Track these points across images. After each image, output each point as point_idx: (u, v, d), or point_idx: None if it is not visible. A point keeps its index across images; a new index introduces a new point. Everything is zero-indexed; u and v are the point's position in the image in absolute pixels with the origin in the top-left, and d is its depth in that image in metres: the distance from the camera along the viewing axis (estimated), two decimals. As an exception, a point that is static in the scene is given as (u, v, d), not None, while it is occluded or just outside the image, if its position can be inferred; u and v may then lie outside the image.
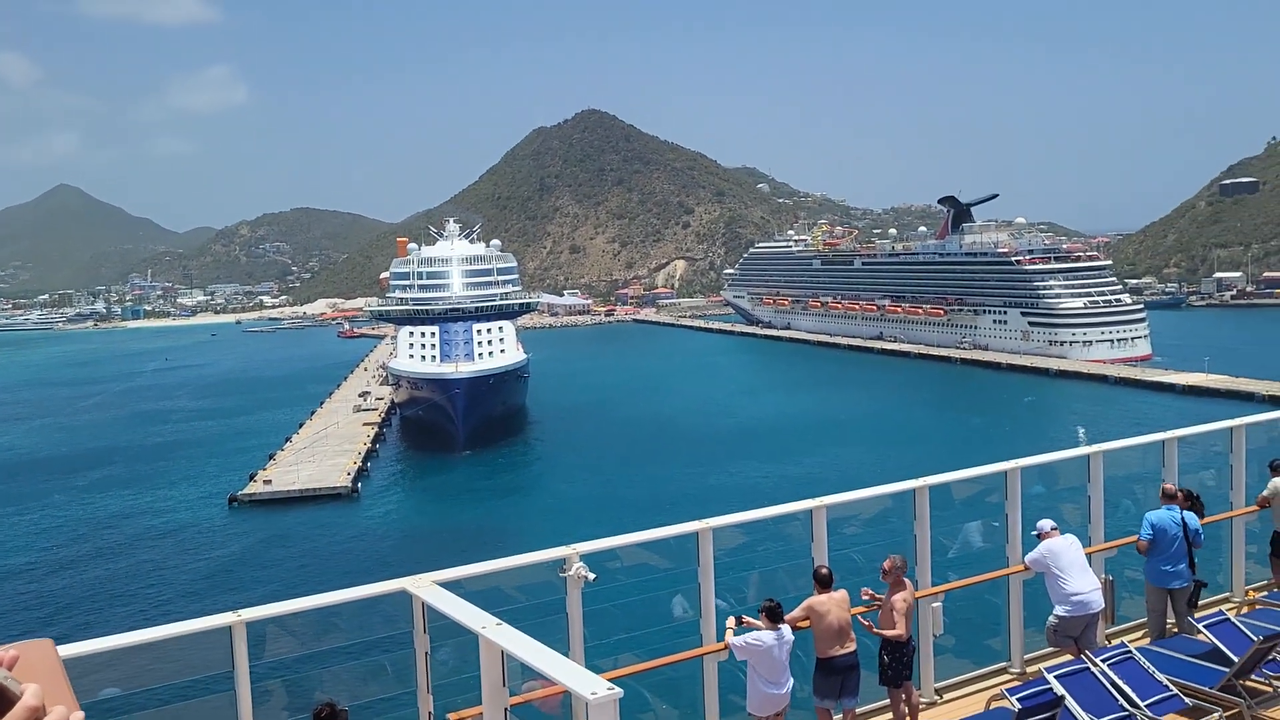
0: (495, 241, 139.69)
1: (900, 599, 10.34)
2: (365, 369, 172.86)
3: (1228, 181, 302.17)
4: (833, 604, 9.95)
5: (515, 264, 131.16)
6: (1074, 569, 11.04)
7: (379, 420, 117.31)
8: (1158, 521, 11.83)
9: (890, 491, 11.09)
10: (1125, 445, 13.21)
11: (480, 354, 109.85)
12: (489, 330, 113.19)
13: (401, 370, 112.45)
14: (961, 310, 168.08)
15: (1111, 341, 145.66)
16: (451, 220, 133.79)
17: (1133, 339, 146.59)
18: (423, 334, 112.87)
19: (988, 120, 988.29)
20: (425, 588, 7.60)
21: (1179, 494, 12.17)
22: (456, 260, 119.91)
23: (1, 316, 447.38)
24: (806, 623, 9.93)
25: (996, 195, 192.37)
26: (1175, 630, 11.99)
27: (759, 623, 9.56)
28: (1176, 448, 12.88)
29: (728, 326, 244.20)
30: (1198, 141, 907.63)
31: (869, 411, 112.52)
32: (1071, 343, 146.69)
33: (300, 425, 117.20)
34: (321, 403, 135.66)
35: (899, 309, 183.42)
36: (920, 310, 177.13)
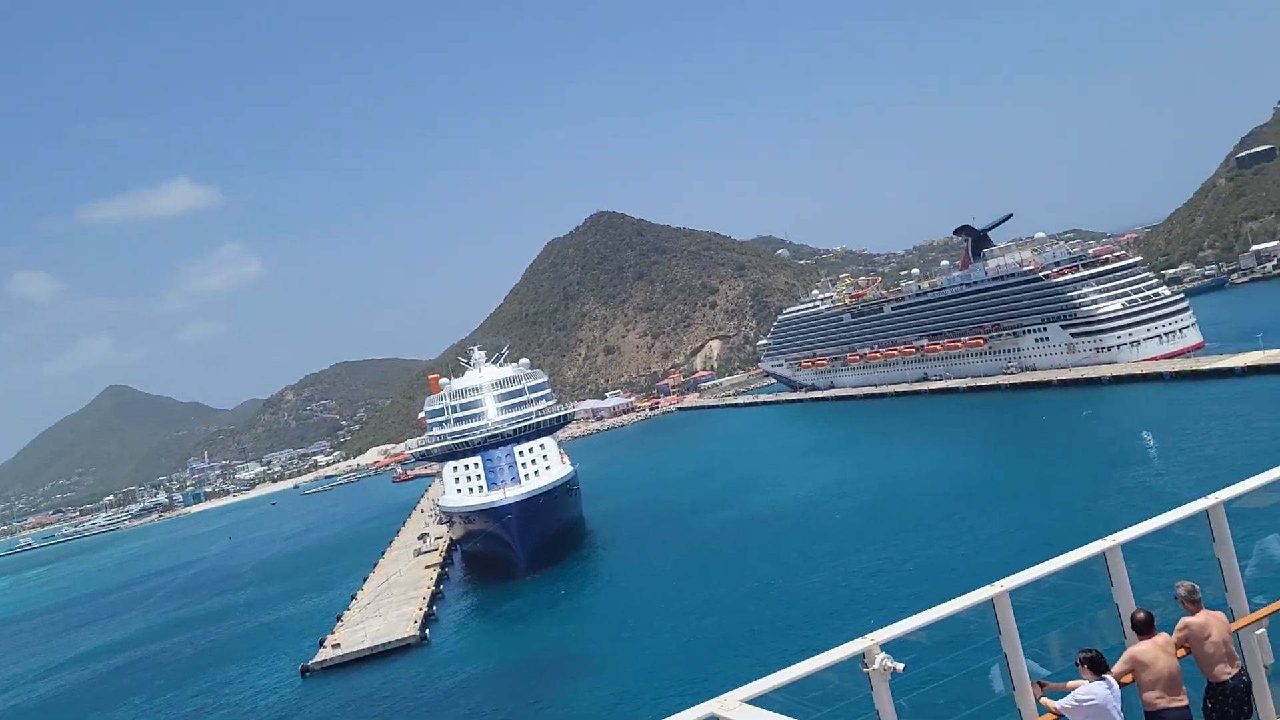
0: (524, 360, 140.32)
1: (1217, 626, 9.41)
2: (422, 510, 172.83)
3: (1244, 154, 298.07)
4: (1157, 650, 9.15)
5: (546, 379, 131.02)
6: None
7: (440, 560, 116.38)
8: None
9: (1179, 518, 10.01)
10: None
11: (526, 475, 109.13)
12: (530, 450, 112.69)
13: (453, 506, 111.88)
14: (1000, 335, 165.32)
15: (1159, 337, 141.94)
16: (476, 348, 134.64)
17: (1180, 330, 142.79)
18: (466, 466, 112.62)
19: (992, 138, 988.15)
20: (734, 708, 7.39)
21: None
22: (487, 386, 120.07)
23: (69, 525, 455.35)
24: (1129, 677, 9.15)
25: (1011, 215, 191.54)
26: None
27: (1064, 685, 8.92)
28: None
29: (773, 397, 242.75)
30: (1205, 117, 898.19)
31: (940, 460, 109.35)
32: (1119, 346, 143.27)
33: (365, 580, 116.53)
34: (383, 552, 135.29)
35: (938, 346, 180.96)
36: (959, 343, 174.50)
